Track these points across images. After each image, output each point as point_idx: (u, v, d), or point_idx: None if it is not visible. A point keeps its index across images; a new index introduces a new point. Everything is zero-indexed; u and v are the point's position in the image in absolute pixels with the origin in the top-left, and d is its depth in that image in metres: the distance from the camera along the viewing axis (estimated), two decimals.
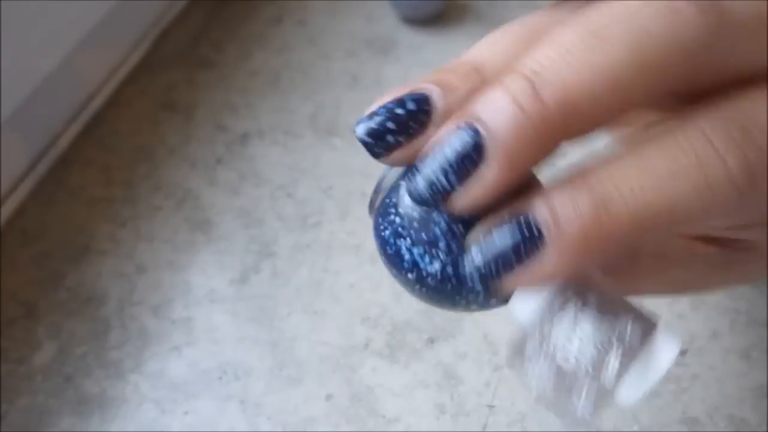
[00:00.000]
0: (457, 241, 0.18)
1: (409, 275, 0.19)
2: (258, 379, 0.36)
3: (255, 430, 0.34)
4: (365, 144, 0.18)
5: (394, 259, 0.19)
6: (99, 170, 0.46)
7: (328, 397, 0.35)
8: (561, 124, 0.16)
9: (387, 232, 0.19)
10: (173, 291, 0.40)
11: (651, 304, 0.37)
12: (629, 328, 0.17)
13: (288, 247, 0.41)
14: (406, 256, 0.18)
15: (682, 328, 0.36)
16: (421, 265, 0.18)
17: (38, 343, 0.38)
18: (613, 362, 0.16)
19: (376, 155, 0.19)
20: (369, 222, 0.43)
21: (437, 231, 0.18)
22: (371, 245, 0.41)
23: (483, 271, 0.17)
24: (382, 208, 0.20)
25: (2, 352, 0.38)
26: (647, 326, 0.17)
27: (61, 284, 0.40)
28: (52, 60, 0.46)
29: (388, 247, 0.19)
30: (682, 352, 0.35)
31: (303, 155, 0.46)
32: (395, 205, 0.19)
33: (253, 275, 0.40)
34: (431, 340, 0.37)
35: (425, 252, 0.18)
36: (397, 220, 0.19)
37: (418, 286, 0.19)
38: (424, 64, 0.51)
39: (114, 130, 0.49)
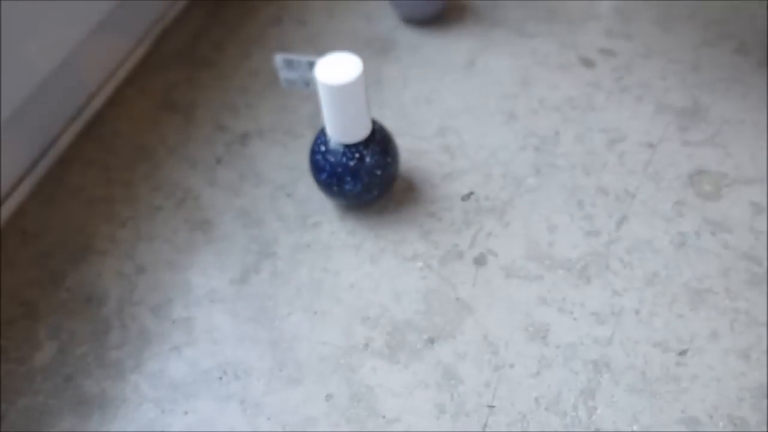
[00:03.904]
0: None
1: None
2: (258, 379, 0.36)
3: (255, 430, 0.34)
4: None
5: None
6: (99, 170, 0.46)
7: (328, 397, 0.35)
8: None
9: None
10: (173, 291, 0.40)
11: (651, 303, 0.36)
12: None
13: (288, 247, 0.41)
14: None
15: (681, 328, 0.36)
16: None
17: (38, 343, 0.38)
18: None
19: None
20: (369, 222, 0.43)
21: None
22: (371, 245, 0.41)
23: None
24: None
25: (2, 352, 0.38)
26: None
27: (61, 284, 0.40)
28: (52, 60, 0.46)
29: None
30: (682, 352, 0.35)
31: (303, 155, 0.46)
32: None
33: (253, 275, 0.40)
34: (431, 340, 0.37)
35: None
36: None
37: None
38: (424, 64, 0.51)
39: (114, 130, 0.49)
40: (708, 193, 0.42)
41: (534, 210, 0.42)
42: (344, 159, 0.38)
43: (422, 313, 0.38)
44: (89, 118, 0.50)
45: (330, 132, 0.38)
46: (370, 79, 0.50)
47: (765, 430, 0.33)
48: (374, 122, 0.39)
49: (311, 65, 0.38)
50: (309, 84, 0.39)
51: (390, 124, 0.43)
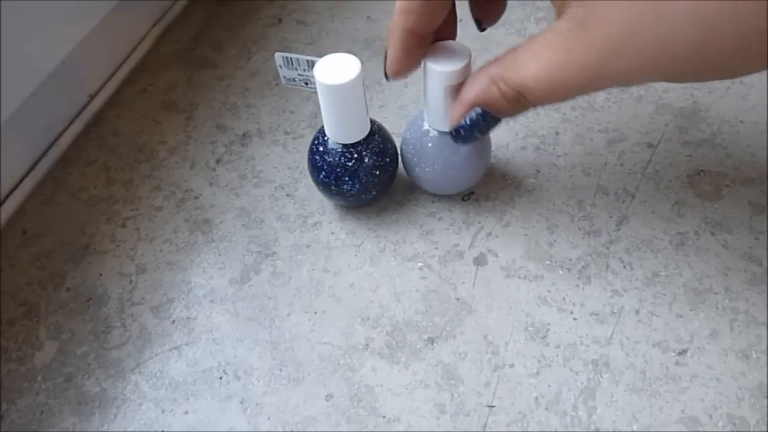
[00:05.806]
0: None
1: None
2: (258, 379, 0.36)
3: (255, 430, 0.34)
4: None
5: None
6: (99, 170, 0.47)
7: (328, 397, 0.35)
8: None
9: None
10: (173, 291, 0.40)
11: (651, 303, 0.36)
12: None
13: (288, 247, 0.41)
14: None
15: (681, 328, 0.36)
16: None
17: (39, 343, 0.38)
18: None
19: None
20: (369, 222, 0.43)
21: None
22: (371, 245, 0.41)
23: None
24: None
25: (3, 352, 0.38)
26: None
27: (61, 284, 0.40)
28: (52, 60, 0.46)
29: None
30: (682, 352, 0.35)
31: (303, 155, 0.46)
32: None
33: (253, 275, 0.40)
34: (431, 340, 0.37)
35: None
36: None
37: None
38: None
39: (114, 130, 0.49)
40: (708, 193, 0.42)
41: (534, 210, 0.42)
42: (342, 159, 0.38)
43: (422, 313, 0.38)
44: (89, 118, 0.50)
45: (328, 132, 0.38)
46: (369, 80, 0.50)
47: (765, 429, 0.33)
48: (373, 122, 0.39)
49: (311, 64, 0.39)
50: (309, 83, 0.40)
51: (390, 125, 0.43)
